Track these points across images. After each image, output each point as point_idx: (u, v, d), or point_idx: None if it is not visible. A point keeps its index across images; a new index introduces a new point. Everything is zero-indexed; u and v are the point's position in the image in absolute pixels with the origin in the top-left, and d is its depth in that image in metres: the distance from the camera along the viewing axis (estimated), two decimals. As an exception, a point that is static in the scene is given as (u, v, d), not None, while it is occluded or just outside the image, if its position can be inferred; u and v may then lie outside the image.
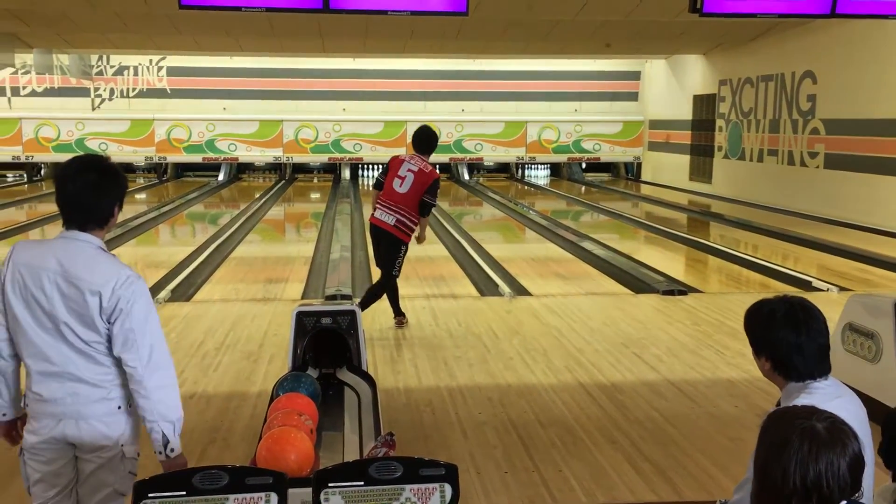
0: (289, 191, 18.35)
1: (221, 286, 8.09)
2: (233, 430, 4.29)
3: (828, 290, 7.58)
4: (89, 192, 2.38)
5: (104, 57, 19.31)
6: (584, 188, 19.21)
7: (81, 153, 3.47)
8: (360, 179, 19.97)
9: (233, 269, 9.05)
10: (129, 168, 20.20)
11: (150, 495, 2.15)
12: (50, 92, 19.40)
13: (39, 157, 19.28)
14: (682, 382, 5.11)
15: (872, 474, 2.12)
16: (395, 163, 6.15)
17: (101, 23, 12.88)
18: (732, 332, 6.05)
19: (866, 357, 4.43)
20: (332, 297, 7.08)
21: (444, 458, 2.34)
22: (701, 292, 7.75)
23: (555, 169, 21.41)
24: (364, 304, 6.11)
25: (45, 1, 10.63)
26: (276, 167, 20.49)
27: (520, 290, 7.70)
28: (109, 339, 2.37)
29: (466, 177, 20.34)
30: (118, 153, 19.08)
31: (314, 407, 3.36)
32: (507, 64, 19.73)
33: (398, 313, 6.32)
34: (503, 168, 21.50)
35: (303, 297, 7.51)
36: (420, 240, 6.28)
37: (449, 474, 2.25)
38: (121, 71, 19.62)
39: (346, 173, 20.07)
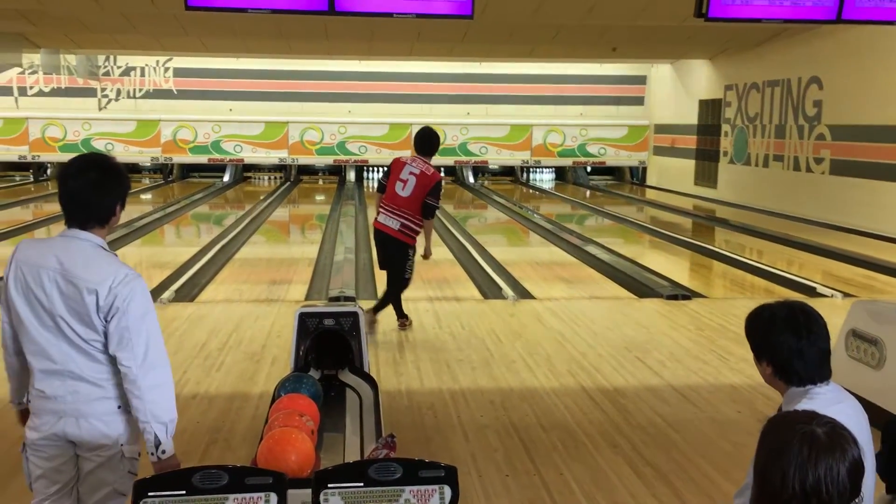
0: (294, 192, 18.38)
1: (225, 287, 8.10)
2: (234, 431, 4.29)
3: (832, 296, 7.56)
4: (91, 190, 2.39)
5: (111, 57, 19.37)
6: (588, 192, 19.19)
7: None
8: (364, 181, 19.99)
9: (237, 269, 9.07)
10: (134, 168, 20.28)
11: (149, 494, 2.16)
12: (57, 92, 19.47)
13: (46, 157, 19.34)
14: (684, 387, 5.10)
15: (873, 481, 2.12)
16: (397, 165, 6.08)
17: (108, 23, 12.93)
18: (736, 337, 6.04)
19: (869, 363, 4.41)
20: (336, 299, 7.08)
21: (445, 461, 2.34)
22: (705, 297, 7.74)
23: (560, 173, 21.40)
24: (383, 306, 6.17)
25: (54, 1, 10.67)
26: (281, 168, 20.53)
27: (523, 294, 7.69)
28: (106, 337, 2.37)
29: (471, 180, 20.35)
30: (124, 153, 19.15)
31: (315, 408, 3.37)
32: (513, 67, 19.74)
33: (401, 315, 6.32)
34: (508, 171, 21.49)
35: (306, 299, 7.52)
36: (426, 255, 6.18)
37: (448, 476, 2.25)
38: (127, 71, 19.68)
39: (352, 175, 20.09)
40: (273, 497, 2.18)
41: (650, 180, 20.42)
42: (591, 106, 20.52)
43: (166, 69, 19.74)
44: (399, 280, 6.15)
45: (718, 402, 4.85)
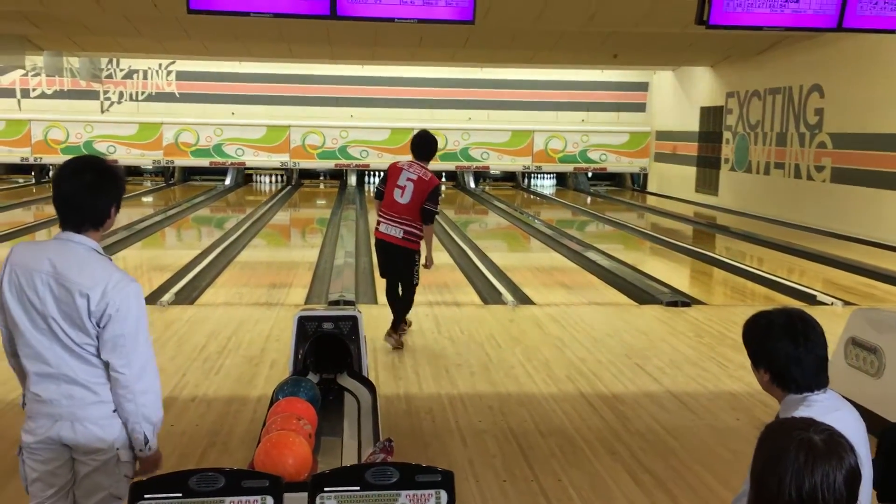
0: (295, 196, 18.39)
1: (225, 290, 8.10)
2: (232, 434, 4.29)
3: (832, 304, 7.55)
4: (85, 192, 2.38)
5: (114, 60, 19.42)
6: (589, 198, 19.21)
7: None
8: (365, 186, 20.01)
9: (237, 273, 9.07)
10: (136, 171, 20.32)
11: (146, 497, 2.16)
12: (59, 94, 19.51)
13: (48, 159, 19.36)
14: (683, 394, 5.09)
15: (870, 489, 2.11)
16: (394, 171, 5.93)
17: (111, 26, 12.96)
18: (735, 344, 6.03)
19: (868, 371, 4.41)
20: (336, 303, 7.07)
21: (442, 466, 2.34)
22: (705, 304, 7.73)
23: (561, 178, 21.42)
24: (400, 319, 6.02)
25: (57, 4, 10.70)
26: (282, 172, 20.55)
27: (523, 299, 7.69)
28: (100, 342, 2.37)
29: (472, 185, 20.37)
30: (126, 156, 19.19)
31: (313, 411, 3.36)
32: (515, 73, 19.77)
33: (396, 329, 6.02)
34: (509, 177, 21.52)
35: (306, 303, 7.52)
36: (428, 264, 6.02)
37: (445, 481, 2.25)
38: (130, 74, 19.73)
39: (353, 180, 20.11)
40: (269, 500, 2.18)
41: (651, 187, 20.43)
42: (593, 112, 20.55)
43: (169, 72, 19.78)
44: (411, 287, 6.01)
45: (717, 409, 4.85)
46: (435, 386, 5.16)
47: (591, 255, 10.34)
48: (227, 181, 19.93)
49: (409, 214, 5.84)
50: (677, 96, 19.10)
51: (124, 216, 13.10)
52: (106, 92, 19.71)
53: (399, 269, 5.98)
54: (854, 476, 1.57)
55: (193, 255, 9.72)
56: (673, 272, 9.89)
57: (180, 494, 2.15)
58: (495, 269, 9.25)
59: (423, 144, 6.00)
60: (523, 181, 21.27)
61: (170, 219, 13.81)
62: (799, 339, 2.15)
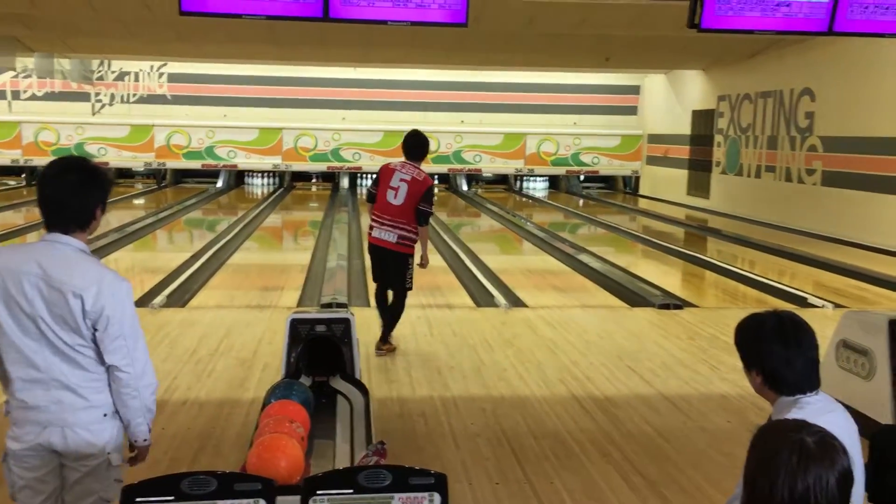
0: (287, 199, 18.36)
1: (217, 293, 8.08)
2: (224, 437, 4.27)
3: (823, 306, 7.58)
4: (71, 193, 2.36)
5: (105, 62, 19.35)
6: (581, 201, 19.24)
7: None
8: (358, 188, 19.99)
9: (229, 275, 9.04)
10: (128, 173, 20.24)
11: (137, 500, 2.15)
12: (50, 96, 19.44)
13: (38, 161, 19.25)
14: (676, 397, 5.10)
15: (862, 491, 2.12)
16: (386, 172, 5.83)
17: (102, 28, 12.92)
18: (727, 347, 6.04)
19: (860, 374, 4.43)
20: (328, 306, 7.05)
21: (435, 469, 2.34)
22: (697, 307, 7.75)
23: (553, 181, 21.45)
24: (390, 328, 5.94)
25: (48, 5, 10.66)
26: (274, 174, 20.52)
27: (516, 302, 7.69)
28: (94, 343, 2.35)
29: (465, 188, 20.37)
30: (117, 158, 19.13)
31: (306, 414, 3.36)
32: (507, 76, 19.80)
33: (385, 341, 5.92)
34: (502, 180, 21.54)
35: (299, 305, 7.50)
36: (423, 264, 5.97)
37: (438, 483, 2.25)
38: (122, 76, 19.67)
39: (345, 182, 20.10)
40: (262, 503, 2.18)
41: (643, 190, 20.48)
42: (585, 115, 20.60)
43: (160, 74, 19.73)
44: (403, 292, 5.93)
45: (709, 411, 4.86)
46: (428, 389, 5.15)
47: (584, 257, 10.35)
48: (219, 184, 19.89)
49: (403, 216, 5.74)
50: (669, 100, 19.16)
51: (116, 218, 13.05)
52: (97, 94, 19.64)
53: (392, 274, 5.90)
54: (846, 478, 1.57)
55: (185, 258, 9.68)
56: (665, 275, 9.91)
57: (172, 498, 2.15)
58: (488, 271, 9.25)
59: (416, 144, 5.91)
60: (515, 184, 21.29)
61: (161, 221, 13.76)
62: (790, 341, 2.16)
